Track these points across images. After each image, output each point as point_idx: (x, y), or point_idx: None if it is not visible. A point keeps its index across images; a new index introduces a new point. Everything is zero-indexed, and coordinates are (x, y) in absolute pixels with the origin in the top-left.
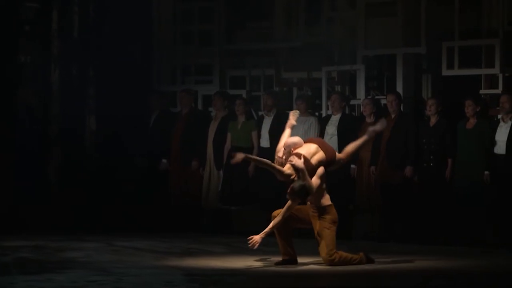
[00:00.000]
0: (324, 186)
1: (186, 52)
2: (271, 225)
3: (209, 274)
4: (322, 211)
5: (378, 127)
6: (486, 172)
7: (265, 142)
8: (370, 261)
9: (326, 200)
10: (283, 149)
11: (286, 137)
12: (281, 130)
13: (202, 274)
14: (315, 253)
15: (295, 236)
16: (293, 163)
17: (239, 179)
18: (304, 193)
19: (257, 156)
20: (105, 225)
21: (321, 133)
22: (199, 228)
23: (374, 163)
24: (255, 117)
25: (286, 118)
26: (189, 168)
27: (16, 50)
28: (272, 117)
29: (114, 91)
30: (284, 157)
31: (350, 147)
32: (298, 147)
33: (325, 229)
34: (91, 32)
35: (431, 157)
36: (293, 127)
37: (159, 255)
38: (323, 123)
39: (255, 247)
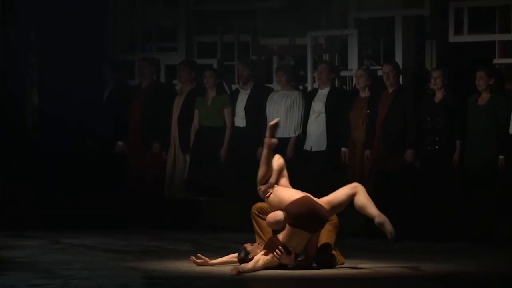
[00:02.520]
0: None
1: (147, 14)
2: (219, 260)
3: (174, 277)
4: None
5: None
6: (500, 156)
7: (240, 121)
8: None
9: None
10: (269, 189)
11: (274, 165)
12: (259, 107)
13: (165, 277)
14: None
15: None
16: (283, 261)
17: (209, 165)
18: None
19: (229, 136)
20: (50, 219)
21: (306, 110)
22: (161, 222)
23: (369, 146)
24: (228, 92)
25: (264, 93)
26: (150, 151)
27: None
28: (248, 91)
29: (61, 59)
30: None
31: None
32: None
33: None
34: None
35: (436, 138)
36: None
37: (113, 255)
38: (308, 98)
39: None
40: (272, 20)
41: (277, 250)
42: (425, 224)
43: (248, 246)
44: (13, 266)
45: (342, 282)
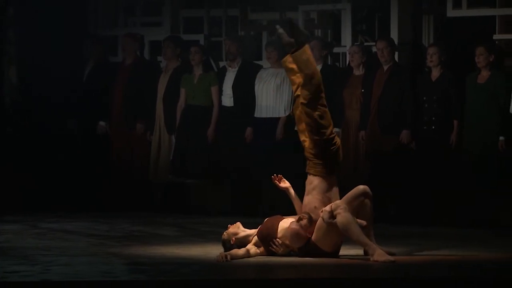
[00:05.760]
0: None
1: None
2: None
3: (158, 263)
4: None
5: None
6: (501, 138)
7: (227, 100)
8: None
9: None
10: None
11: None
12: (248, 85)
13: (150, 263)
14: None
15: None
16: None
17: (196, 146)
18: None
19: (216, 116)
20: (29, 203)
21: None
22: (146, 206)
23: (364, 127)
24: (215, 69)
25: (252, 71)
26: (133, 132)
27: None
28: (236, 68)
29: (40, 35)
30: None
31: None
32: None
33: None
34: None
35: (433, 118)
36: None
37: (95, 240)
38: None
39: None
40: None
41: (275, 241)
42: (422, 208)
43: (224, 236)
44: None
45: (337, 269)
